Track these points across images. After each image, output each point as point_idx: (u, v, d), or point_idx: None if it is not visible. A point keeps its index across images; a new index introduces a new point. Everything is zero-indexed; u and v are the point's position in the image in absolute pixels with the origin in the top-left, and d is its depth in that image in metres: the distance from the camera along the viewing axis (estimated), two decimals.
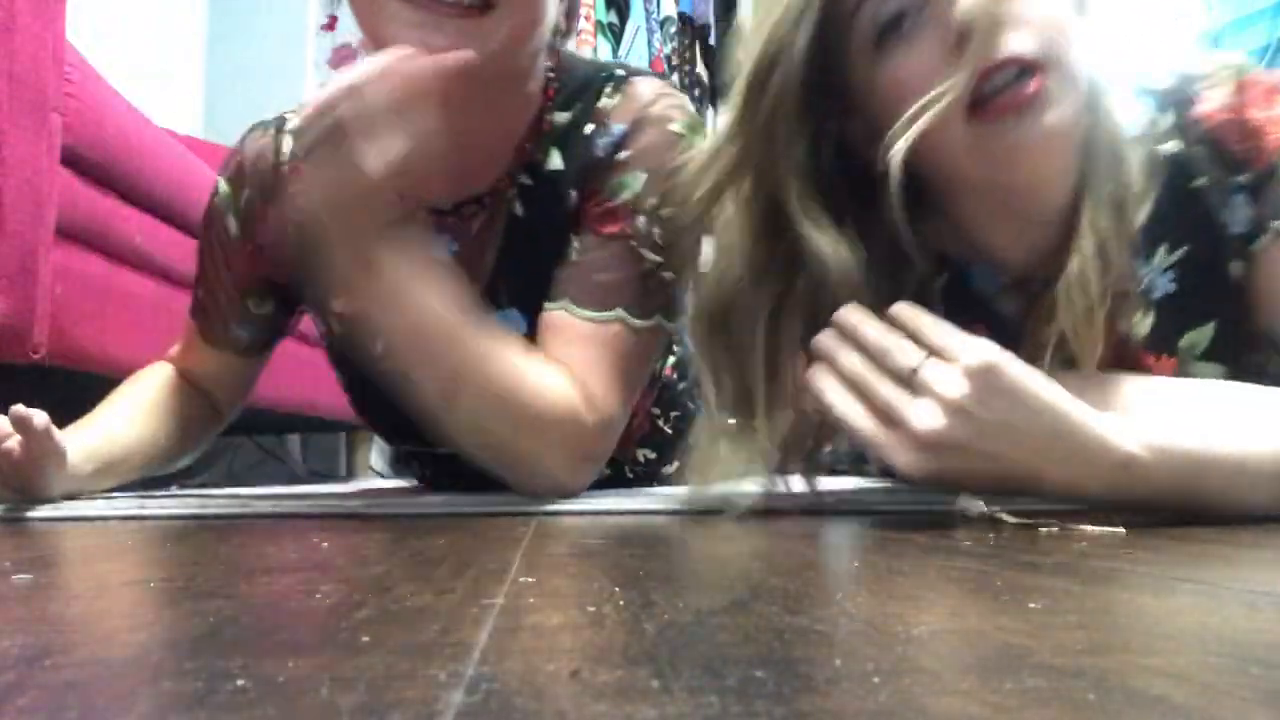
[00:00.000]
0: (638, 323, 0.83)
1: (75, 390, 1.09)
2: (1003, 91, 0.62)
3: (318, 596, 0.34)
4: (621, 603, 0.32)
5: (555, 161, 0.84)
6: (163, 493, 1.37)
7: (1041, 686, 0.21)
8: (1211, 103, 0.71)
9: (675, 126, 0.84)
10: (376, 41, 0.74)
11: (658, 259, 0.83)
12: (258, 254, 0.97)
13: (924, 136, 0.63)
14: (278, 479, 2.30)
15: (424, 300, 0.75)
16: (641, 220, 0.83)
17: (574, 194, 0.85)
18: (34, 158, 1.05)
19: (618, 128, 0.84)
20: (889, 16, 0.64)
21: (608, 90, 0.86)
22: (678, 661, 0.24)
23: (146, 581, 0.39)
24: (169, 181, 1.39)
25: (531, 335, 0.84)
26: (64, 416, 0.83)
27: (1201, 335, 0.74)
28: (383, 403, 0.89)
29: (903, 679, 0.22)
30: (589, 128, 0.85)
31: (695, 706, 0.19)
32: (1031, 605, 0.32)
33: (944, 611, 0.31)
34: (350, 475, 2.64)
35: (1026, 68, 0.61)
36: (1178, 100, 0.72)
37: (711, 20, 2.80)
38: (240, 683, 0.22)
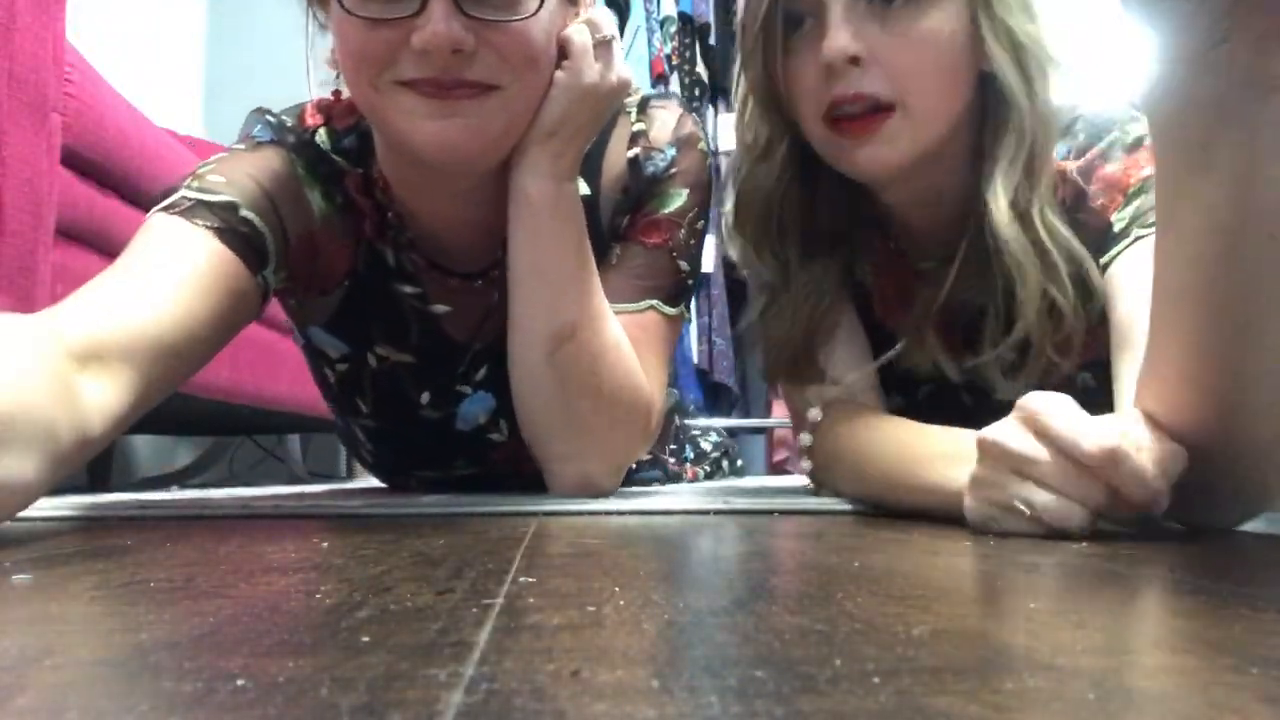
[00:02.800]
0: (669, 310, 0.89)
1: None
2: (851, 117, 0.74)
3: (318, 596, 0.34)
4: (621, 603, 0.32)
5: (581, 188, 0.87)
6: (163, 493, 1.37)
7: (1041, 686, 0.21)
8: (1067, 159, 0.80)
9: (703, 145, 0.92)
10: (393, 136, 0.79)
11: (690, 268, 0.90)
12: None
13: (805, 124, 0.78)
14: (278, 479, 2.30)
15: (570, 243, 0.82)
16: (683, 233, 0.90)
17: (619, 216, 0.90)
18: (34, 158, 1.05)
19: (670, 151, 0.90)
20: (794, 15, 0.76)
21: (632, 116, 0.91)
22: (678, 661, 0.24)
23: (146, 581, 0.39)
24: (169, 181, 1.39)
25: None
26: None
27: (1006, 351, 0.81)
28: (404, 436, 0.98)
29: (903, 679, 0.22)
30: (633, 152, 0.89)
31: (695, 706, 0.19)
32: (1031, 605, 0.32)
33: (944, 611, 0.31)
34: (350, 475, 2.63)
35: (879, 105, 0.73)
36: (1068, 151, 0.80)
37: (711, 20, 2.79)
38: (240, 683, 0.22)
